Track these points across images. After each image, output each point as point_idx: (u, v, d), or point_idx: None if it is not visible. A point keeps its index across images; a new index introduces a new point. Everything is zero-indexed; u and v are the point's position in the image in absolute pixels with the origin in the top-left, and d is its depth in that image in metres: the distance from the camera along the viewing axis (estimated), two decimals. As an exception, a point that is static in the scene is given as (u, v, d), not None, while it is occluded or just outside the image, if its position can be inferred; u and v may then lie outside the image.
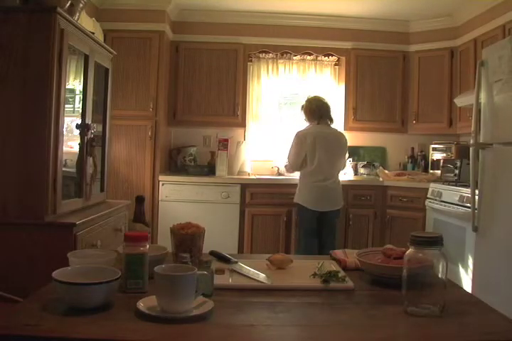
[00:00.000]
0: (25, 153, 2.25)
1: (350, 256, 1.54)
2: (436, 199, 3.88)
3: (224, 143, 4.38)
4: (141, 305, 1.03)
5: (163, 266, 1.09)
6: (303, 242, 3.66)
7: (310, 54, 4.73)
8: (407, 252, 1.10)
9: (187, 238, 1.36)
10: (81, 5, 2.75)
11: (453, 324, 1.02)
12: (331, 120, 3.71)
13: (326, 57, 4.79)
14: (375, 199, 4.31)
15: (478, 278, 2.95)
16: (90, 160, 2.74)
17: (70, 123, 2.62)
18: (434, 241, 1.07)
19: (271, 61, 4.71)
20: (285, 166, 3.95)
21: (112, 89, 3.25)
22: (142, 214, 1.66)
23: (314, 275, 1.31)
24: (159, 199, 4.21)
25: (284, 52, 4.68)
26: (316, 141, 3.54)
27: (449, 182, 3.86)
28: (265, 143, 4.84)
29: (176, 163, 4.69)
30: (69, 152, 2.63)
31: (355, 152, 4.83)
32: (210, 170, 4.41)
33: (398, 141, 4.90)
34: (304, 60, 4.78)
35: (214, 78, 4.54)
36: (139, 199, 1.67)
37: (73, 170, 2.70)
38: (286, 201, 4.08)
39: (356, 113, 4.62)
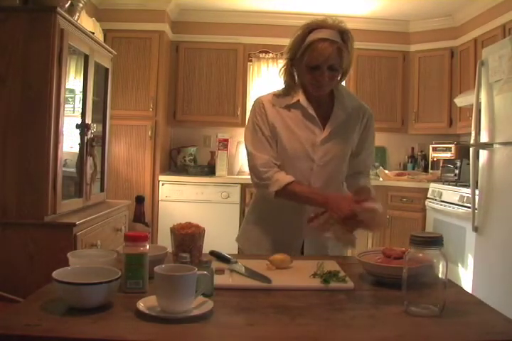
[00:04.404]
0: (25, 153, 2.25)
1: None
2: (436, 199, 3.87)
3: (224, 143, 4.38)
4: (141, 305, 1.03)
5: (163, 266, 1.08)
6: None
7: (310, 54, 4.72)
8: (407, 252, 1.10)
9: (187, 238, 1.36)
10: (81, 5, 2.75)
11: (453, 324, 1.02)
12: None
13: (326, 57, 4.78)
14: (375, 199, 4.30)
15: (478, 278, 2.95)
16: (90, 160, 2.74)
17: (70, 123, 2.62)
18: (434, 241, 1.07)
19: (271, 61, 4.71)
20: None
21: (112, 89, 3.25)
22: (142, 214, 1.66)
23: (314, 275, 1.31)
24: (159, 199, 4.21)
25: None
26: None
27: (449, 182, 3.86)
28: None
29: (175, 163, 4.69)
30: (69, 152, 2.63)
31: (355, 152, 4.81)
32: (210, 170, 4.41)
33: (398, 141, 4.90)
34: (304, 60, 4.77)
35: (214, 78, 4.54)
36: (139, 199, 1.67)
37: (73, 170, 2.70)
38: (286, 201, 4.08)
39: (356, 113, 4.61)
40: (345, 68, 1.64)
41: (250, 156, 1.71)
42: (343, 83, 4.38)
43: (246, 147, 1.74)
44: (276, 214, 1.74)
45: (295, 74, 1.69)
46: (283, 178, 1.64)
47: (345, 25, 1.63)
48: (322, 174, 1.70)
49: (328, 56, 1.56)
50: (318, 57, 1.56)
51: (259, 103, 1.73)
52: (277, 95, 1.73)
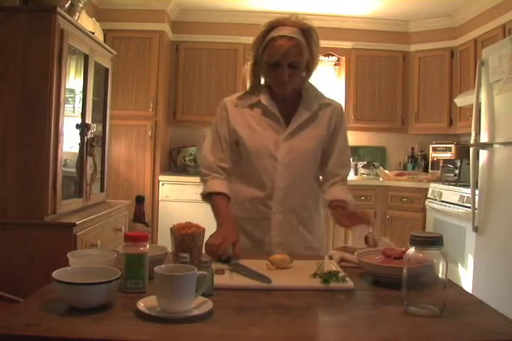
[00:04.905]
0: (25, 153, 2.25)
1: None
2: (436, 199, 3.88)
3: (224, 143, 4.37)
4: (141, 305, 1.02)
5: (163, 266, 1.08)
6: None
7: (310, 54, 4.73)
8: (407, 252, 1.10)
9: (187, 238, 1.36)
10: (81, 5, 2.75)
11: (453, 324, 1.02)
12: None
13: (326, 57, 4.79)
14: (375, 199, 4.31)
15: (478, 278, 2.95)
16: (90, 160, 2.74)
17: (70, 123, 2.62)
18: (434, 241, 1.07)
19: (271, 61, 4.71)
20: None
21: (112, 89, 3.25)
22: (142, 214, 1.66)
23: (314, 275, 1.31)
24: (159, 199, 4.20)
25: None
26: None
27: (449, 182, 3.86)
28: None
29: (175, 163, 4.69)
30: (69, 152, 2.63)
31: (355, 152, 4.82)
32: (210, 170, 4.40)
33: (398, 141, 4.90)
34: (304, 60, 4.78)
35: (214, 78, 4.54)
36: (139, 199, 1.67)
37: (73, 170, 2.70)
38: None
39: (356, 113, 4.62)
40: (307, 65, 1.62)
41: (201, 156, 1.76)
42: (343, 83, 4.37)
43: (203, 146, 1.78)
44: (245, 216, 1.71)
45: (259, 72, 1.67)
46: (212, 186, 1.67)
47: (310, 23, 1.62)
48: (287, 173, 1.67)
49: (286, 52, 1.55)
50: (275, 54, 1.55)
51: (221, 105, 1.75)
52: (242, 95, 1.73)
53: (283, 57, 1.55)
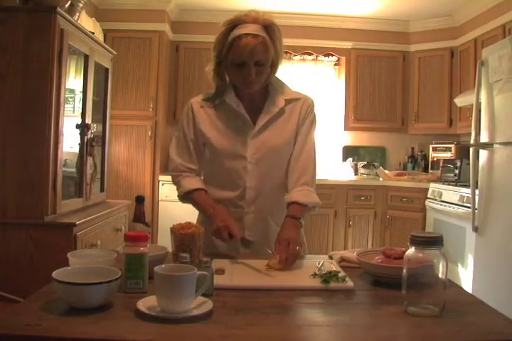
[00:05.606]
0: (25, 153, 2.25)
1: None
2: (436, 199, 3.88)
3: (224, 143, 4.38)
4: (141, 305, 1.02)
5: (163, 266, 1.08)
6: None
7: (310, 54, 4.74)
8: (407, 252, 1.10)
9: (187, 238, 1.36)
10: (81, 5, 2.76)
11: (453, 324, 1.02)
12: None
13: (326, 57, 4.79)
14: (375, 199, 4.31)
15: (478, 278, 2.95)
16: (90, 160, 2.74)
17: (70, 123, 2.62)
18: (434, 241, 1.07)
19: (271, 61, 4.70)
20: None
21: (112, 89, 3.25)
22: (142, 214, 1.66)
23: (314, 275, 1.31)
24: (159, 199, 4.21)
25: (284, 52, 4.67)
26: None
27: (449, 182, 3.87)
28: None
29: (175, 163, 4.69)
30: (69, 152, 2.63)
31: (355, 152, 4.82)
32: (210, 170, 4.40)
33: (398, 141, 4.90)
34: (304, 60, 4.78)
35: (214, 78, 4.54)
36: (139, 199, 1.66)
37: (73, 170, 2.70)
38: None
39: (356, 113, 4.62)
40: (273, 62, 1.58)
41: (169, 159, 1.74)
42: (343, 83, 4.37)
43: (170, 149, 1.75)
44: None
45: (224, 72, 1.62)
46: (187, 185, 1.65)
47: (270, 18, 1.57)
48: (257, 172, 1.63)
49: (252, 51, 1.50)
50: (242, 53, 1.51)
51: (187, 106, 1.71)
52: (207, 95, 1.69)
53: (249, 55, 1.51)
